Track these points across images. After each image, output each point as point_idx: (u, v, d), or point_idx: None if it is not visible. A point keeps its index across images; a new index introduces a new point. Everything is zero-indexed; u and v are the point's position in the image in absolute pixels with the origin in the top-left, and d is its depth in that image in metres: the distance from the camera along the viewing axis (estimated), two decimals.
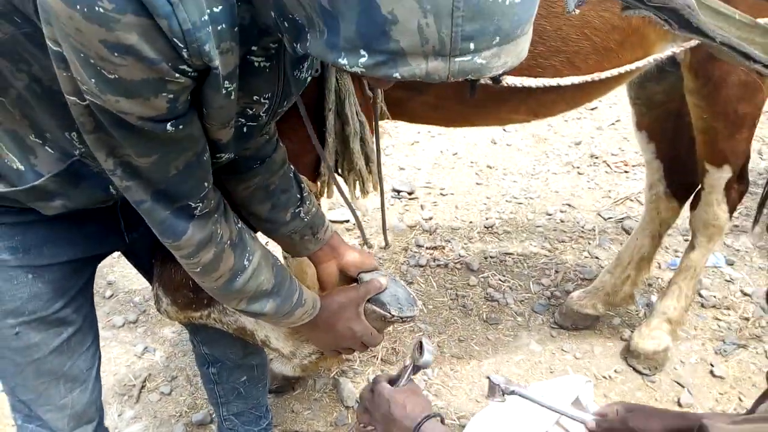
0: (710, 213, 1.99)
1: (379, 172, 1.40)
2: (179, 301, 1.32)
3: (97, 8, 0.65)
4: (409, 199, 3.21)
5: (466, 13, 0.60)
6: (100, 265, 1.31)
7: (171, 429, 2.04)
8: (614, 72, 1.41)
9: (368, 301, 1.21)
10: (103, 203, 1.12)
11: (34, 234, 1.10)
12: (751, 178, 2.10)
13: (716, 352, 2.27)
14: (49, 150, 0.99)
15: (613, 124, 3.84)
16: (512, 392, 1.24)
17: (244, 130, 0.98)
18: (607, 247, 2.83)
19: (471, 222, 3.03)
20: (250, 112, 0.95)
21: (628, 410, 1.19)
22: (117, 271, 2.71)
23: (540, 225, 3.00)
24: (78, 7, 0.65)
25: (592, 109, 3.98)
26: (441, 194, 3.24)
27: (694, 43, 1.46)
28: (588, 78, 1.39)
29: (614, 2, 1.08)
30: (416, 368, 1.20)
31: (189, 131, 0.83)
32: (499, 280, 2.66)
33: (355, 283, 1.26)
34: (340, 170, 1.45)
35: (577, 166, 3.48)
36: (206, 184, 0.93)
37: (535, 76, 1.36)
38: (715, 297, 2.51)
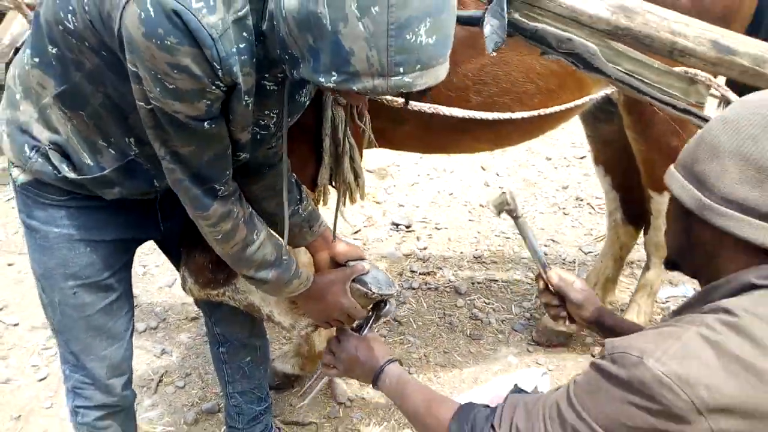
0: (659, 236, 2.24)
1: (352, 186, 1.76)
2: (201, 281, 1.64)
3: (166, 42, 1.01)
4: (407, 231, 3.52)
5: (396, 50, 0.94)
6: None
7: (183, 416, 2.32)
8: (556, 109, 1.75)
9: (353, 281, 1.51)
10: (146, 195, 1.46)
11: (93, 216, 1.44)
12: None
13: None
14: (112, 151, 1.34)
15: None
16: (516, 217, 1.44)
17: (258, 137, 1.33)
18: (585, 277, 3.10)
19: (462, 252, 3.33)
20: (263, 122, 1.31)
21: (587, 298, 1.39)
22: (140, 287, 3.03)
23: (525, 257, 3.28)
24: (153, 40, 1.01)
25: (581, 158, 4.31)
26: (436, 228, 3.55)
27: None
28: (535, 113, 1.74)
29: (536, 48, 1.40)
30: (378, 317, 1.49)
31: (219, 130, 1.17)
32: (484, 302, 2.93)
33: (344, 267, 1.57)
34: (333, 182, 1.80)
35: (563, 207, 3.76)
36: (228, 172, 1.27)
37: (491, 111, 1.72)
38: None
